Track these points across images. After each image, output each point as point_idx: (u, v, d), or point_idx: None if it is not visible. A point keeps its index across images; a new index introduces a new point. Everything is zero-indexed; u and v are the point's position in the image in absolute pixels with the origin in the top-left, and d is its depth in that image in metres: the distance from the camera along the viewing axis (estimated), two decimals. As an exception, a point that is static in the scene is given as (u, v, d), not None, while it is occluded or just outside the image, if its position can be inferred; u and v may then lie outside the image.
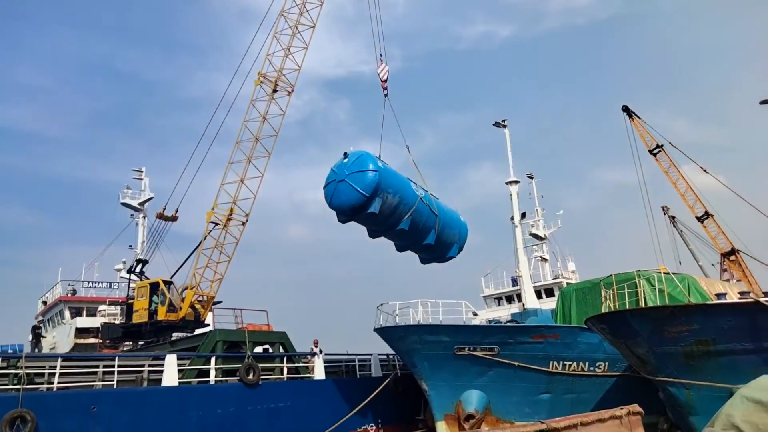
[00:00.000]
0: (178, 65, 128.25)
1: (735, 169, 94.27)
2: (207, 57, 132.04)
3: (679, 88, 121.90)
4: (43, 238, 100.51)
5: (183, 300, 23.57)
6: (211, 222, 23.42)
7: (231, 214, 23.38)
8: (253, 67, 24.27)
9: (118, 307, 27.64)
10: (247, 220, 23.87)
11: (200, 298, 24.02)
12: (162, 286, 23.92)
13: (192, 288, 23.48)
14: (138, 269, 26.19)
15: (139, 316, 23.87)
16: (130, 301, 25.12)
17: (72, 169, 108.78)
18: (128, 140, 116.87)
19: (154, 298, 24.03)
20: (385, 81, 22.19)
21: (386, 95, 22.05)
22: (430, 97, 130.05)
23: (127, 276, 26.31)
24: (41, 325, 26.58)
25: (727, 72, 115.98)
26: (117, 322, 26.20)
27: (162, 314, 23.36)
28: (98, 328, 25.22)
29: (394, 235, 20.37)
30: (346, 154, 17.55)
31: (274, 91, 23.87)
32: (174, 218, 26.83)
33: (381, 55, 22.26)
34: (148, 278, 25.57)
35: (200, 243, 23.77)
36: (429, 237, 21.21)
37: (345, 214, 18.25)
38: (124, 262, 32.53)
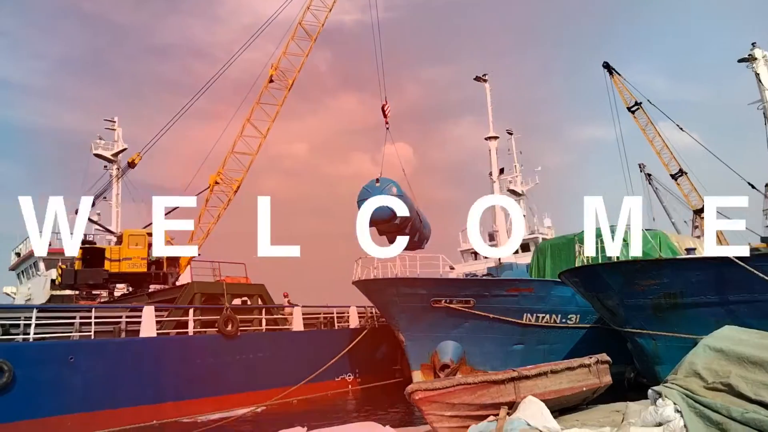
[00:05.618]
0: (149, 9, 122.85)
1: (710, 127, 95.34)
2: (180, 1, 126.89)
3: (660, 44, 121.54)
4: (12, 188, 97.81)
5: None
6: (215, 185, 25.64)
7: (238, 186, 26.04)
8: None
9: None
10: (239, 188, 26.19)
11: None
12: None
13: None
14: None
15: (132, 265, 23.65)
16: (99, 246, 24.81)
17: (40, 117, 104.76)
18: (98, 87, 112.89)
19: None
20: (388, 117, 26.10)
21: (388, 129, 25.90)
22: (411, 49, 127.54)
23: (92, 220, 26.69)
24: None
25: (703, 29, 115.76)
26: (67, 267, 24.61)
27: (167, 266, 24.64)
28: (62, 274, 24.19)
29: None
30: (378, 180, 21.50)
31: (270, 81, 27.00)
32: (133, 165, 28.29)
33: (386, 98, 26.12)
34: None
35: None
36: (415, 237, 24.69)
37: (374, 223, 21.72)
38: (99, 214, 31.99)
